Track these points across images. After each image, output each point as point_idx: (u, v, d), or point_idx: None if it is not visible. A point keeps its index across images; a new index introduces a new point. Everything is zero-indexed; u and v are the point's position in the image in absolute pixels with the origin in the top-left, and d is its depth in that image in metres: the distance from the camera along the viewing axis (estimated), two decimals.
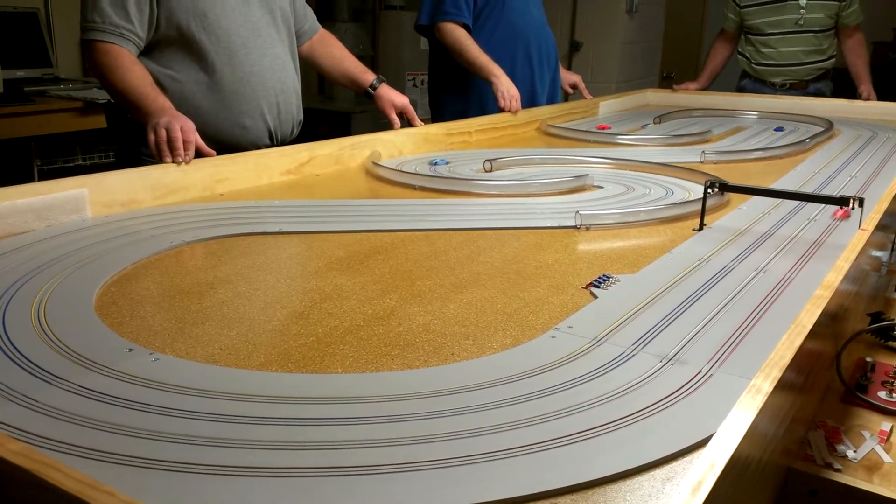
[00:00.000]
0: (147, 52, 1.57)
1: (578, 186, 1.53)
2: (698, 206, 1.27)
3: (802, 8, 2.97)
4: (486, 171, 1.67)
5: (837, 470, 0.72)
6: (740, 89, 3.21)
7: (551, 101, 2.64)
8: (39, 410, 0.64)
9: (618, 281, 0.99)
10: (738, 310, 0.90)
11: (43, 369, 0.71)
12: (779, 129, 1.97)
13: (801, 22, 2.98)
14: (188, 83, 1.60)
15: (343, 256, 1.09)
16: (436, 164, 1.69)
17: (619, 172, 1.68)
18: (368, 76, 1.90)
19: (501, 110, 2.26)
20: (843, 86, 3.14)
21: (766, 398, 0.56)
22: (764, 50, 3.08)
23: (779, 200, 1.41)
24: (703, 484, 0.45)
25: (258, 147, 1.64)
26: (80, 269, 0.99)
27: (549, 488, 0.55)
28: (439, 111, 2.53)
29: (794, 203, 1.41)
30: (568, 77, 2.79)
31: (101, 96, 2.87)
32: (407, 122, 1.92)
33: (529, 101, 2.49)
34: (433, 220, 1.28)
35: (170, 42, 1.58)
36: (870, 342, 1.00)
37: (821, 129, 2.26)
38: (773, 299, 0.93)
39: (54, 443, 0.59)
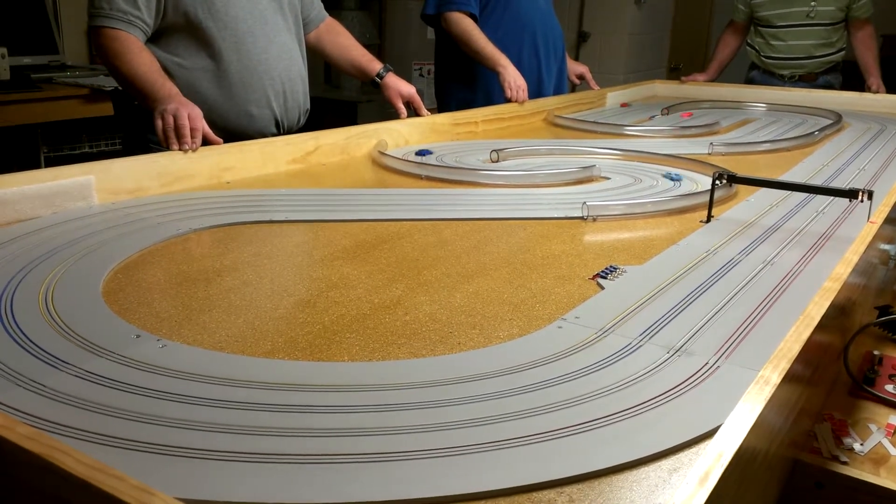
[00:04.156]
0: (154, 39, 1.57)
1: (585, 177, 1.52)
2: (706, 198, 1.27)
3: (813, 0, 2.95)
4: (493, 162, 1.67)
5: (844, 463, 0.71)
6: (749, 80, 3.19)
7: (558, 91, 2.63)
8: (47, 395, 0.64)
9: (625, 272, 0.99)
10: (746, 302, 0.89)
11: (51, 354, 0.72)
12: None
13: (812, 14, 2.96)
14: (195, 70, 1.59)
15: (349, 245, 1.09)
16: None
17: (626, 163, 1.67)
18: (375, 65, 1.90)
19: (508, 100, 2.25)
20: (852, 78, 3.12)
21: (773, 390, 0.55)
22: (774, 42, 3.06)
23: (787, 193, 1.41)
24: (710, 475, 0.45)
25: (264, 135, 1.64)
26: (88, 256, 0.99)
27: (555, 478, 0.55)
28: (445, 101, 2.52)
29: (803, 195, 1.40)
30: (575, 68, 2.78)
31: (108, 83, 2.87)
32: (413, 112, 1.92)
33: (536, 91, 2.48)
34: (440, 209, 1.28)
35: (177, 29, 1.57)
36: (877, 335, 1.00)
37: (829, 121, 2.25)
38: (780, 291, 0.93)
39: (62, 427, 0.59)
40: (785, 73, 3.08)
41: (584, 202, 1.25)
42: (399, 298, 0.90)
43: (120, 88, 1.60)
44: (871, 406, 0.83)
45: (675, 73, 4.76)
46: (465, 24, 2.32)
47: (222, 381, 0.68)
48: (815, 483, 0.71)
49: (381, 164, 1.61)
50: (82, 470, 0.44)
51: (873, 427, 0.78)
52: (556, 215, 1.26)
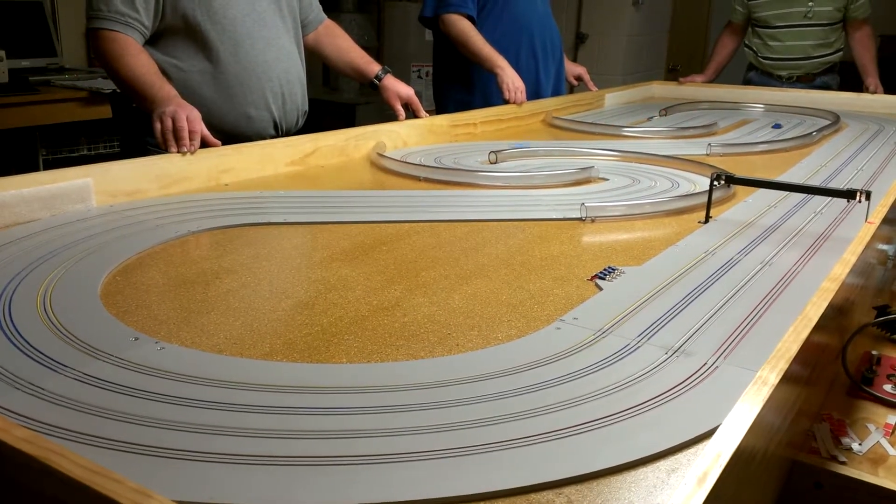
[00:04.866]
0: (152, 42, 1.57)
1: (584, 178, 1.52)
2: (704, 199, 1.27)
3: (811, 1, 2.95)
4: (491, 163, 1.67)
5: (842, 463, 0.71)
6: (747, 81, 3.19)
7: (556, 93, 2.63)
8: (46, 398, 0.64)
9: (623, 273, 0.99)
10: (744, 302, 0.90)
11: (49, 357, 0.71)
12: (777, 125, 1.97)
13: (810, 15, 2.96)
14: (193, 73, 1.59)
15: (348, 247, 1.09)
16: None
17: (624, 164, 1.67)
18: (374, 67, 1.90)
19: (506, 102, 2.25)
20: (849, 79, 3.12)
21: (771, 390, 0.55)
22: (771, 43, 3.06)
23: (785, 193, 1.41)
24: (708, 475, 0.45)
25: (263, 137, 1.64)
26: (86, 259, 0.99)
27: (554, 478, 0.55)
28: (443, 103, 2.52)
29: (801, 196, 1.40)
30: (573, 69, 2.78)
31: (107, 86, 2.87)
32: (412, 114, 1.92)
33: (534, 93, 2.48)
34: (438, 211, 1.28)
35: (175, 31, 1.57)
36: (876, 335, 1.00)
37: (827, 122, 2.25)
38: (779, 292, 0.93)
39: (60, 430, 0.59)
40: (783, 73, 3.08)
41: (583, 203, 1.25)
42: (397, 300, 0.90)
43: (118, 91, 1.60)
44: (869, 406, 0.83)
45: (673, 74, 4.76)
46: (463, 26, 2.32)
47: (221, 383, 0.68)
48: (814, 483, 0.71)
49: (380, 165, 1.61)
50: (80, 473, 0.44)
51: (871, 427, 0.78)
52: (554, 216, 1.26)
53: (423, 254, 1.07)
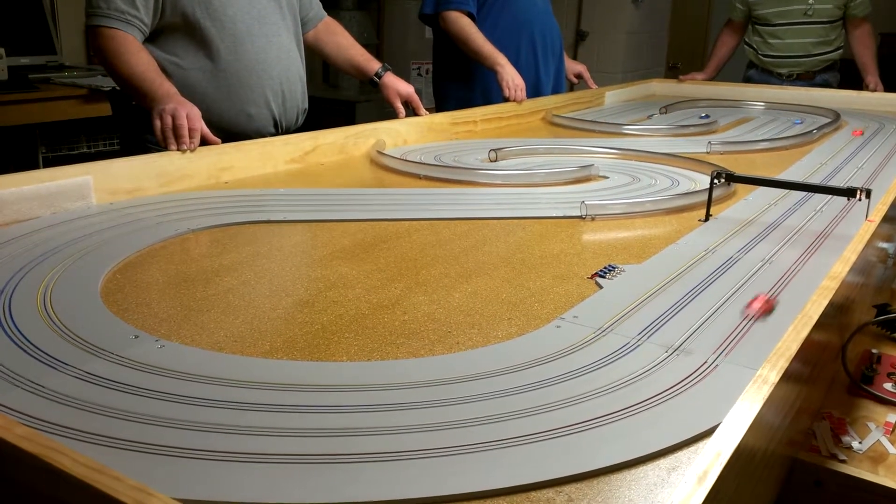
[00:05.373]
0: (152, 39, 1.57)
1: (584, 176, 1.52)
2: (704, 197, 1.27)
3: None
4: (492, 161, 1.67)
5: (843, 461, 0.72)
6: (747, 79, 3.19)
7: (556, 90, 2.63)
8: (46, 396, 0.64)
9: (623, 271, 0.99)
10: (744, 300, 0.89)
11: (49, 355, 0.71)
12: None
13: (810, 13, 2.96)
14: (192, 70, 1.59)
15: (348, 245, 1.09)
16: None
17: (624, 162, 1.67)
18: (373, 64, 1.90)
19: (506, 100, 2.25)
20: (849, 77, 3.12)
21: (772, 389, 0.55)
22: (771, 41, 3.06)
23: (785, 191, 1.41)
24: (708, 473, 0.45)
25: (263, 135, 1.64)
26: (86, 256, 0.99)
27: (554, 477, 0.55)
28: (443, 101, 2.52)
29: (801, 194, 1.40)
30: (573, 67, 2.78)
31: (106, 84, 2.87)
32: (412, 111, 1.92)
33: (534, 90, 2.48)
34: (438, 209, 1.28)
35: (175, 29, 1.57)
36: (876, 334, 1.00)
37: (827, 120, 2.25)
38: (779, 290, 0.93)
39: (60, 428, 0.59)
40: (783, 71, 3.08)
41: (583, 201, 1.25)
42: (397, 298, 0.90)
43: (118, 88, 1.60)
44: (869, 404, 0.83)
45: (673, 71, 4.76)
46: (463, 24, 2.32)
47: (221, 381, 0.68)
48: (814, 481, 0.71)
49: (380, 163, 1.61)
50: (80, 470, 0.44)
51: (872, 425, 0.78)
52: (554, 214, 1.26)
53: (424, 252, 1.07)
